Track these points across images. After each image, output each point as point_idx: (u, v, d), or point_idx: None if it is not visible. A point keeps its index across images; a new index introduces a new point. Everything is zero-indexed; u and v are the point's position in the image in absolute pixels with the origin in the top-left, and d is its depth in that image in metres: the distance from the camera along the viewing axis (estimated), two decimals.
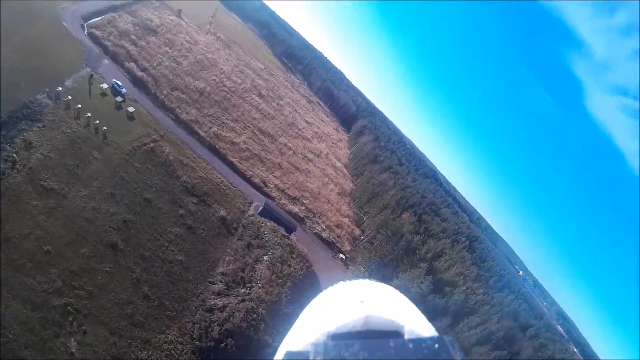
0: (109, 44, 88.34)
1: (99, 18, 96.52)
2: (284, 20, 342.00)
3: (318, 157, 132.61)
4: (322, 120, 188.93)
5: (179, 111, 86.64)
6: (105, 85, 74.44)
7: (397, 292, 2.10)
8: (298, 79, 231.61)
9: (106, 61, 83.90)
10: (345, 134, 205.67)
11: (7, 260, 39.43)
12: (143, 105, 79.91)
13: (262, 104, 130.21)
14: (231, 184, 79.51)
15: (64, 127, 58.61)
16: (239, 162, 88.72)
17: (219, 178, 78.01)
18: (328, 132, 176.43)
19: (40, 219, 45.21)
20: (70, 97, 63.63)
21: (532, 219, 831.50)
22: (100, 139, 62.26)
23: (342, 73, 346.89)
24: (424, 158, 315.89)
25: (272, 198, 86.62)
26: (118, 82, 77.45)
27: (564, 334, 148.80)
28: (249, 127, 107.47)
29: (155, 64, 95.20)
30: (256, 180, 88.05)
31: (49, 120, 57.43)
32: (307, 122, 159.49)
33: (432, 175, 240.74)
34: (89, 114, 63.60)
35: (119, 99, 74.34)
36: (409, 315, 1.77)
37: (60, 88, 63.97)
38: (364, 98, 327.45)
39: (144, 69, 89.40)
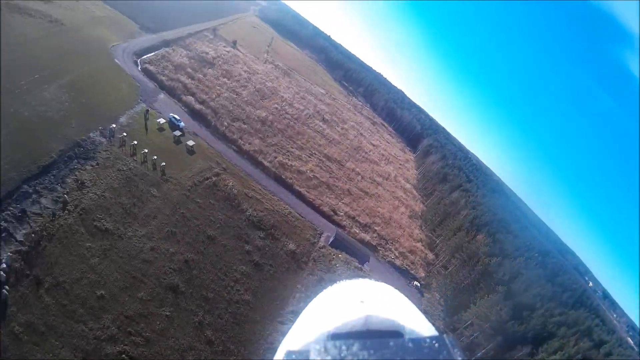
0: (164, 78, 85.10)
1: (152, 54, 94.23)
2: (339, 44, 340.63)
3: (387, 179, 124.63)
4: (388, 142, 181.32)
5: (242, 142, 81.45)
6: (162, 120, 70.37)
7: (397, 292, 2.08)
8: (360, 101, 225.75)
9: (162, 96, 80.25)
10: (412, 154, 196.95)
11: (57, 306, 35.93)
12: (203, 138, 75.30)
13: (326, 129, 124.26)
14: (300, 215, 73.42)
15: (120, 164, 54.80)
16: (307, 191, 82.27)
17: (286, 209, 71.91)
18: (395, 154, 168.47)
19: (94, 262, 41.40)
20: (125, 134, 60.09)
21: (597, 225, 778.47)
22: (158, 176, 57.95)
23: (402, 92, 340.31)
24: (489, 171, 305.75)
25: (343, 227, 79.72)
26: (175, 116, 73.25)
27: (635, 347, 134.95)
28: (315, 154, 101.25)
29: (214, 95, 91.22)
30: (325, 209, 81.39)
31: (103, 158, 53.84)
32: (373, 145, 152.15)
33: (499, 189, 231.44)
34: (146, 150, 59.66)
35: (177, 133, 69.94)
36: (409, 315, 1.79)
37: (114, 125, 60.35)
38: (426, 115, 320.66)
39: (202, 102, 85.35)
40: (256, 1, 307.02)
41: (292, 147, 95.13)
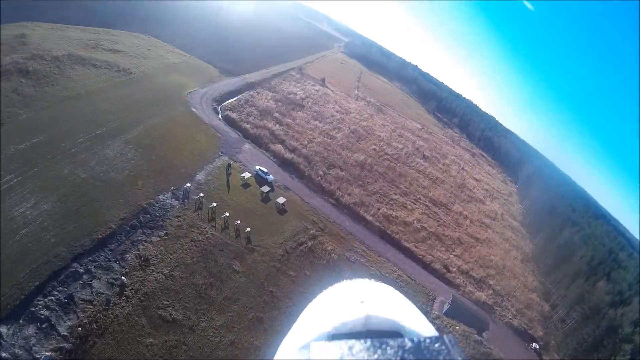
0: (248, 126, 75.14)
1: (234, 99, 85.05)
2: (427, 73, 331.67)
3: (494, 219, 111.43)
4: (489, 174, 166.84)
5: (340, 193, 69.81)
6: (247, 175, 59.59)
7: (397, 292, 2.09)
8: (457, 133, 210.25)
9: (247, 146, 69.53)
10: (513, 185, 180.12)
11: None
12: (296, 193, 63.80)
13: (428, 167, 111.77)
14: (409, 277, 61.47)
15: (194, 233, 45.41)
16: (416, 247, 69.97)
17: (395, 272, 60.33)
18: (498, 187, 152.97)
19: None
20: (202, 195, 50.55)
21: None
22: (242, 245, 47.70)
23: (494, 118, 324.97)
24: (586, 194, 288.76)
25: (457, 286, 67.88)
26: (263, 168, 62.53)
27: None
28: (420, 199, 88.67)
29: (306, 141, 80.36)
30: (437, 265, 69.28)
31: (174, 227, 44.85)
32: (476, 180, 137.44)
33: (602, 215, 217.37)
34: (227, 214, 49.82)
35: (265, 189, 58.94)
36: (409, 315, 1.81)
37: (189, 184, 50.97)
38: (520, 140, 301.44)
39: (293, 149, 74.50)
40: (338, 38, 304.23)
41: (395, 194, 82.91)
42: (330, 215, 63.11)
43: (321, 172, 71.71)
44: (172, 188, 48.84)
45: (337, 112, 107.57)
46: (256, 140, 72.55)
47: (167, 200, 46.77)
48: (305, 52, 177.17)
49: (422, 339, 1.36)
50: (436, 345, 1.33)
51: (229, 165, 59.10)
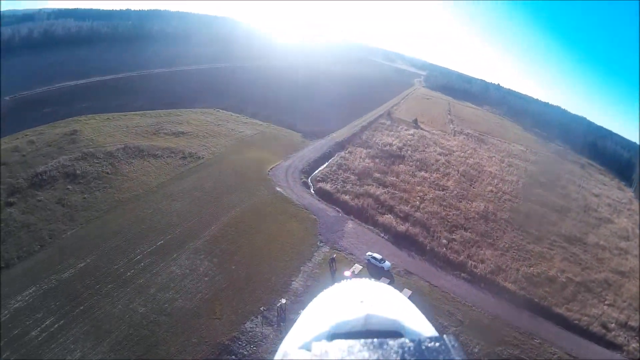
0: (347, 197, 62.36)
1: (325, 165, 73.22)
2: (511, 89, 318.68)
3: (628, 240, 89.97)
4: (604, 184, 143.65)
5: (472, 263, 55.10)
6: (357, 268, 46.33)
7: (397, 292, 2.20)
8: (560, 145, 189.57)
9: (350, 225, 55.76)
10: (629, 189, 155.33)
11: None
12: (421, 277, 49.28)
13: (548, 196, 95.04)
14: (571, 356, 45.69)
15: None
16: (568, 310, 54.26)
17: (554, 354, 45.19)
18: (618, 198, 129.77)
19: None
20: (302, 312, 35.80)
21: None
22: None
23: (585, 118, 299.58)
24: None
25: (621, 349, 50.78)
26: (375, 255, 48.79)
27: None
28: (555, 240, 72.59)
29: (417, 201, 66.30)
30: (595, 328, 52.89)
31: None
32: (596, 195, 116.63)
33: None
34: None
35: (384, 281, 43.88)
36: (409, 315, 1.85)
37: (283, 300, 38.52)
38: (623, 138, 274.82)
39: (405, 217, 60.63)
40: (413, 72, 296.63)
41: (528, 242, 67.50)
42: (468, 298, 48.25)
43: (444, 240, 57.18)
44: (261, 308, 36.92)
45: (440, 155, 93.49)
46: (360, 214, 59.03)
47: (257, 329, 34.90)
48: (389, 94, 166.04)
49: (422, 339, 1.37)
50: (436, 345, 1.33)
51: (333, 259, 45.92)
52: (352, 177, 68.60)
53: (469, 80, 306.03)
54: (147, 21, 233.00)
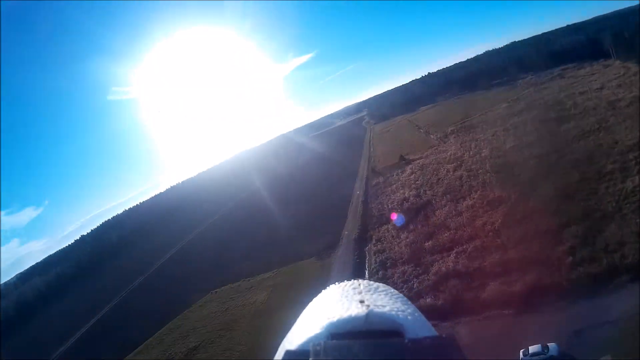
0: (429, 299, 44.88)
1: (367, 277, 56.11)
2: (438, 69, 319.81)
3: None
4: (594, 73, 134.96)
5: None
6: None
7: (397, 292, 2.01)
8: (527, 76, 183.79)
9: (463, 330, 38.24)
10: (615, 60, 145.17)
11: None
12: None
13: (576, 124, 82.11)
14: None
15: None
16: None
17: None
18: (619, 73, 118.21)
19: None
20: None
21: None
22: None
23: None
24: None
25: None
26: (532, 348, 32.46)
27: None
28: None
29: (492, 235, 50.42)
30: None
31: None
32: (600, 88, 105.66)
33: None
34: None
35: None
36: (409, 315, 1.73)
37: None
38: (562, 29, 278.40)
39: (503, 263, 43.77)
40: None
41: None
42: None
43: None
44: None
45: (455, 169, 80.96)
46: (459, 307, 41.52)
47: None
48: (354, 155, 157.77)
49: (422, 339, 1.37)
50: (436, 345, 1.34)
51: None
52: (407, 267, 52.92)
53: (404, 89, 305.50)
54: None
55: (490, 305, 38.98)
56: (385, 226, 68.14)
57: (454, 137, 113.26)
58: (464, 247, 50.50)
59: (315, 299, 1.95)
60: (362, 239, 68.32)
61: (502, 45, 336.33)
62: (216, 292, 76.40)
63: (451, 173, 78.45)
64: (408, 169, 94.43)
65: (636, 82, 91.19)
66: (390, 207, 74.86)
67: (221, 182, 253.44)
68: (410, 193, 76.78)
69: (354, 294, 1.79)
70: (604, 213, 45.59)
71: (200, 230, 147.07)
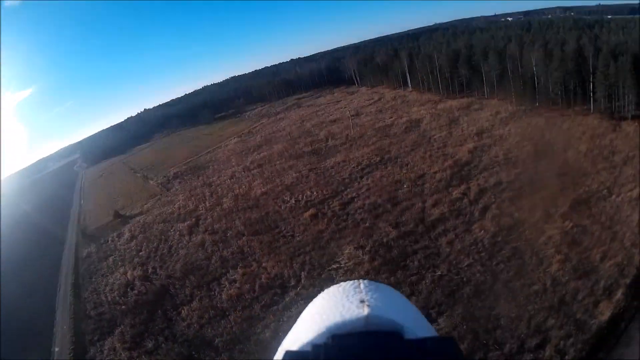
0: None
1: None
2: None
3: None
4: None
5: None
6: None
7: (397, 292, 2.06)
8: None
9: None
10: None
11: None
12: None
13: None
14: None
15: None
16: None
17: None
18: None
19: None
20: None
21: None
22: None
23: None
24: None
25: None
26: None
27: None
28: None
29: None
30: None
31: None
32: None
33: None
34: None
35: None
36: (409, 315, 1.79)
37: None
38: None
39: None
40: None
41: None
42: None
43: None
44: None
45: (186, 230, 64.51)
46: None
47: None
48: (63, 202, 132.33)
49: (422, 339, 1.37)
50: (436, 345, 1.33)
51: None
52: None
53: (119, 127, 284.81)
54: None
55: None
56: (110, 339, 43.55)
57: (179, 182, 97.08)
58: None
59: (315, 300, 1.95)
60: None
61: (223, 80, 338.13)
62: None
63: (187, 237, 60.96)
64: (126, 231, 72.53)
65: None
66: (110, 299, 51.64)
67: None
68: (135, 273, 55.15)
69: (355, 294, 1.80)
70: None
71: None
